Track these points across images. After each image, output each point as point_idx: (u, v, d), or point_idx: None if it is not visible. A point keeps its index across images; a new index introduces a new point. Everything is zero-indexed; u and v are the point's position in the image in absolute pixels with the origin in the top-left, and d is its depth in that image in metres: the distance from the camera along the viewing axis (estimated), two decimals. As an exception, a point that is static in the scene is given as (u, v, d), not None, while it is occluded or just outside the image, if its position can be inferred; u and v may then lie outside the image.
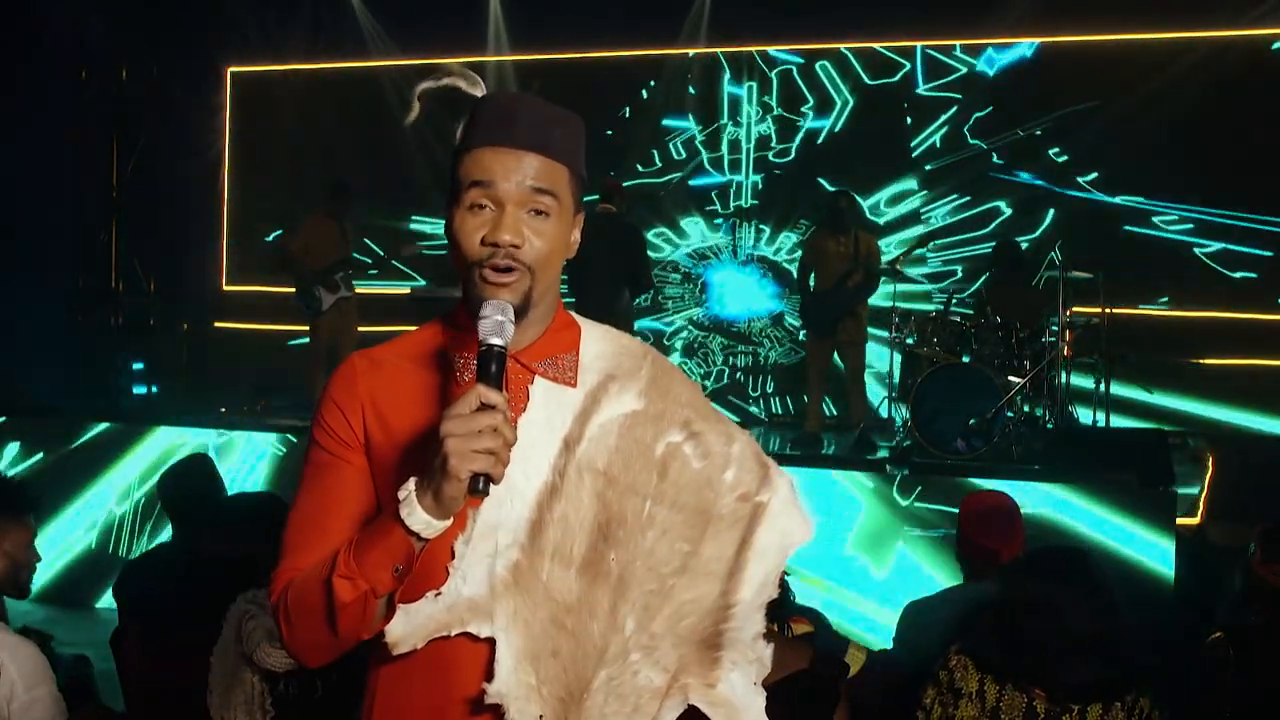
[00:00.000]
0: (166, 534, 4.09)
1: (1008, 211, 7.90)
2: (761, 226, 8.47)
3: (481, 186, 1.32)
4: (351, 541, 1.29)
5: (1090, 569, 2.42)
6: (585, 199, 1.44)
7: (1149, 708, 2.32)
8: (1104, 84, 7.43)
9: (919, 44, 7.97)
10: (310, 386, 7.32)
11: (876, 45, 8.10)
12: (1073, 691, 2.28)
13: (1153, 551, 4.87)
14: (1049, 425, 6.12)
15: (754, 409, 8.45)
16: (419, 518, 1.23)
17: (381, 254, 7.80)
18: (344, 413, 1.40)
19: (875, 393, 7.35)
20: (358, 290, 7.53)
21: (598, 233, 6.19)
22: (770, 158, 8.45)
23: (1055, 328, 6.20)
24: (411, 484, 1.24)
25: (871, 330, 7.12)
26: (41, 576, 6.44)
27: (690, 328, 8.61)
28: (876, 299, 7.08)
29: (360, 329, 7.44)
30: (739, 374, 8.51)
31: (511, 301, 1.31)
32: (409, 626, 1.30)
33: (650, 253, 7.34)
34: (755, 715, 1.39)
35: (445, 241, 1.40)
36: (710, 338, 8.56)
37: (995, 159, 7.90)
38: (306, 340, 7.60)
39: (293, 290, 7.49)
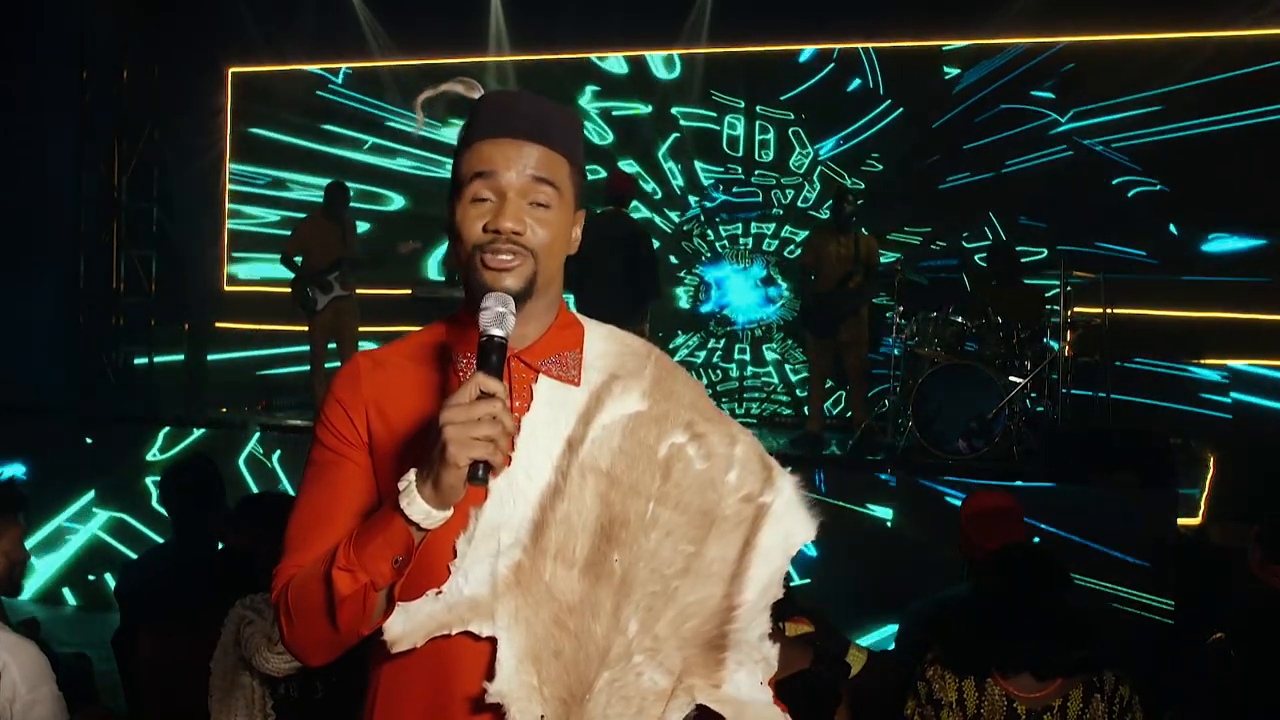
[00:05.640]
0: (167, 534, 4.10)
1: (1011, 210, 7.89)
2: (764, 226, 8.47)
3: (483, 177, 1.34)
4: (352, 534, 1.29)
5: (1049, 558, 2.50)
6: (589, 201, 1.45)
7: (1128, 695, 2.35)
8: (1107, 83, 7.43)
9: (920, 44, 7.96)
10: (310, 386, 7.32)
11: (877, 45, 8.10)
12: (1049, 669, 2.32)
13: (1153, 552, 4.86)
14: (1050, 425, 6.12)
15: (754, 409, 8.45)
16: (419, 507, 1.23)
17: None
18: (347, 412, 1.40)
19: (876, 393, 7.35)
20: (360, 290, 7.52)
21: (603, 234, 6.20)
22: (773, 158, 8.44)
23: (1056, 326, 6.21)
24: (412, 474, 1.25)
25: (872, 330, 7.12)
26: (42, 577, 6.48)
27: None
28: (878, 299, 7.08)
29: (362, 329, 7.45)
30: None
31: (514, 287, 1.32)
32: (409, 625, 1.30)
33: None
34: (762, 708, 1.39)
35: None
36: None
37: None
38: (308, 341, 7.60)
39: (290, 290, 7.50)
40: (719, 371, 8.50)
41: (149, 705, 2.69)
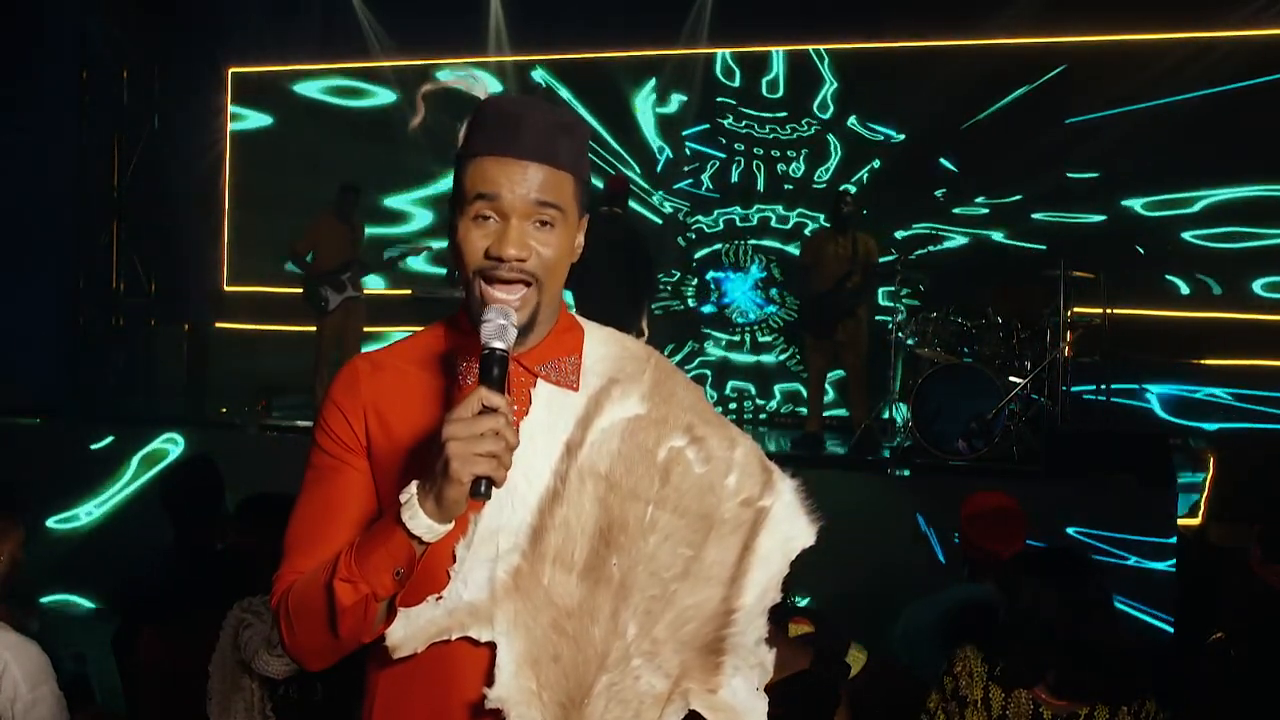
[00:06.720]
0: (167, 535, 4.09)
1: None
2: (763, 209, 8.44)
3: (486, 198, 1.31)
4: (353, 544, 1.28)
5: (1089, 571, 2.44)
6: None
7: (1155, 711, 2.33)
8: (1110, 84, 7.43)
9: (920, 44, 7.94)
10: (315, 386, 7.34)
11: (878, 45, 8.08)
12: (1075, 691, 2.30)
13: (1153, 552, 4.86)
14: (1050, 426, 6.12)
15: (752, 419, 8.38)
16: (421, 521, 1.23)
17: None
18: (346, 416, 1.39)
19: (876, 393, 7.34)
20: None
21: (601, 235, 6.18)
22: (772, 158, 8.43)
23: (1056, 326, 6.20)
24: (413, 487, 1.24)
25: (871, 330, 7.11)
26: (42, 577, 6.44)
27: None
28: (877, 299, 7.08)
29: (364, 329, 7.48)
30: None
31: (518, 322, 1.31)
32: (409, 630, 1.30)
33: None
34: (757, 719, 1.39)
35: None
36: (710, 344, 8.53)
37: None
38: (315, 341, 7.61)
39: (294, 290, 7.52)
40: (712, 392, 8.42)
41: (148, 707, 2.69)
